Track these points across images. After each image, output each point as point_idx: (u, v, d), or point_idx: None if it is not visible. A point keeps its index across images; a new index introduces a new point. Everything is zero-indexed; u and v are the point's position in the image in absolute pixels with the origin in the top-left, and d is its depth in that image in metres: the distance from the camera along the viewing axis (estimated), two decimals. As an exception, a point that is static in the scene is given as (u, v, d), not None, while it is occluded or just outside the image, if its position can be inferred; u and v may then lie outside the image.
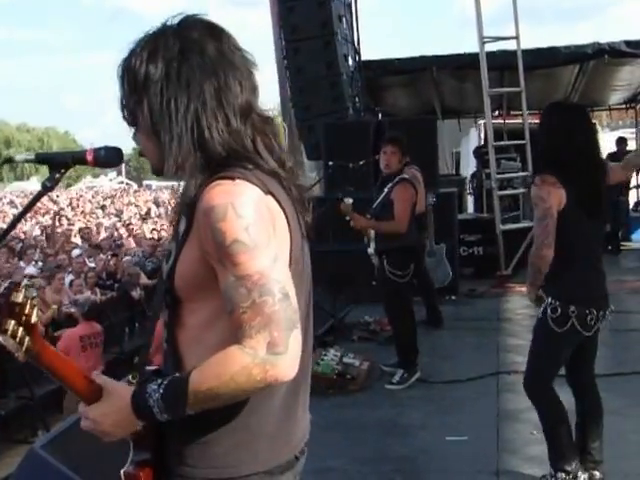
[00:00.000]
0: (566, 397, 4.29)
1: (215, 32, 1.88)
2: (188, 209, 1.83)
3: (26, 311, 1.70)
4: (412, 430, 5.51)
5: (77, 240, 17.99)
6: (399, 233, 6.34)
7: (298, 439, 2.00)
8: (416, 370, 6.52)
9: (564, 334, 4.00)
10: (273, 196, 1.82)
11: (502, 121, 15.04)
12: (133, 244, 17.05)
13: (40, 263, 13.86)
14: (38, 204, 32.77)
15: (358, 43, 12.37)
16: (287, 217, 1.86)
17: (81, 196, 37.12)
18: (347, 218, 6.53)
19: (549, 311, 4.00)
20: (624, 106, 17.12)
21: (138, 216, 27.94)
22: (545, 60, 12.95)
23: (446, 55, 13.64)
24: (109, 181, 67.13)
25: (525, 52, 11.78)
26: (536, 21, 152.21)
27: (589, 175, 3.98)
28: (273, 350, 1.71)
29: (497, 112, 15.53)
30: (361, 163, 7.74)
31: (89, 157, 1.89)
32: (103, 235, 19.60)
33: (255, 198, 1.77)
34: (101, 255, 14.08)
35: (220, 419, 1.85)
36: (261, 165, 1.85)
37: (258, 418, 1.88)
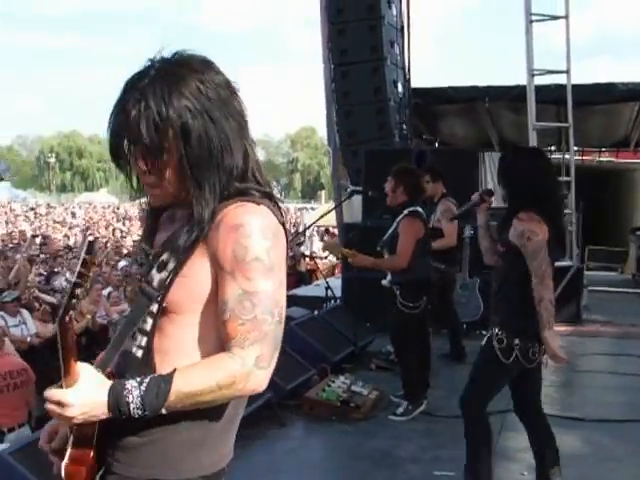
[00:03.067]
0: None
1: (214, 69, 1.93)
2: (199, 225, 1.87)
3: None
4: (403, 463, 5.35)
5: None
6: (401, 268, 6.17)
7: (230, 450, 2.06)
8: (421, 403, 6.35)
9: (509, 365, 4.21)
10: (284, 227, 1.97)
11: (560, 157, 14.74)
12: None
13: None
14: (95, 216, 33.35)
15: (409, 69, 12.23)
16: (286, 249, 1.99)
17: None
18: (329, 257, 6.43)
19: (495, 342, 4.22)
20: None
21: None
22: (601, 96, 12.58)
23: (498, 86, 13.30)
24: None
25: (581, 87, 11.50)
26: (621, 56, 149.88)
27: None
28: (259, 364, 1.84)
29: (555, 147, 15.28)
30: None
31: None
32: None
33: (275, 225, 1.91)
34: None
35: (164, 422, 1.88)
36: (266, 192, 1.96)
37: (205, 425, 1.93)
